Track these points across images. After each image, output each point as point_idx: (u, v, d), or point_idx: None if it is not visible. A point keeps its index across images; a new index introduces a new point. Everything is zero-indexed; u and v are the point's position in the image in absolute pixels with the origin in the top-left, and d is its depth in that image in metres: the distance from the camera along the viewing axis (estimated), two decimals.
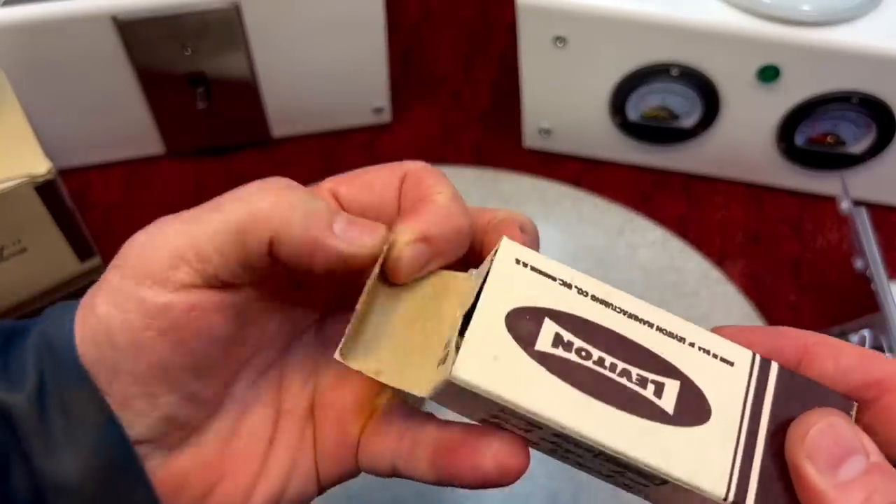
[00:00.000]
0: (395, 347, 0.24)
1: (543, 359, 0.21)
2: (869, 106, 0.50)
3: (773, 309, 0.52)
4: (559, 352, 0.22)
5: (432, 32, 0.69)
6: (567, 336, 0.22)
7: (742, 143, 0.55)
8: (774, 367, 0.23)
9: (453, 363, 0.21)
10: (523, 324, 0.22)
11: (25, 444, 0.23)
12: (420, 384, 0.23)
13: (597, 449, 0.21)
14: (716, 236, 0.56)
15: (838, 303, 0.52)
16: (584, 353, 0.22)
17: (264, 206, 0.23)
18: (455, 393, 0.22)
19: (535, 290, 0.22)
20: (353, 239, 0.23)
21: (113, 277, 0.23)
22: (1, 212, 0.43)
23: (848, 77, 0.50)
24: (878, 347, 0.44)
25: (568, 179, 0.58)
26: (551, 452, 0.23)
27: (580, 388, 0.21)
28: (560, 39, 0.52)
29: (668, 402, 0.22)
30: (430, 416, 0.26)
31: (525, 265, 0.23)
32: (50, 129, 0.52)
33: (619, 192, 0.58)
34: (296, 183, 0.24)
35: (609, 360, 0.22)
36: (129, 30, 0.51)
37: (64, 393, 0.23)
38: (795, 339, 0.24)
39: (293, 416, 0.27)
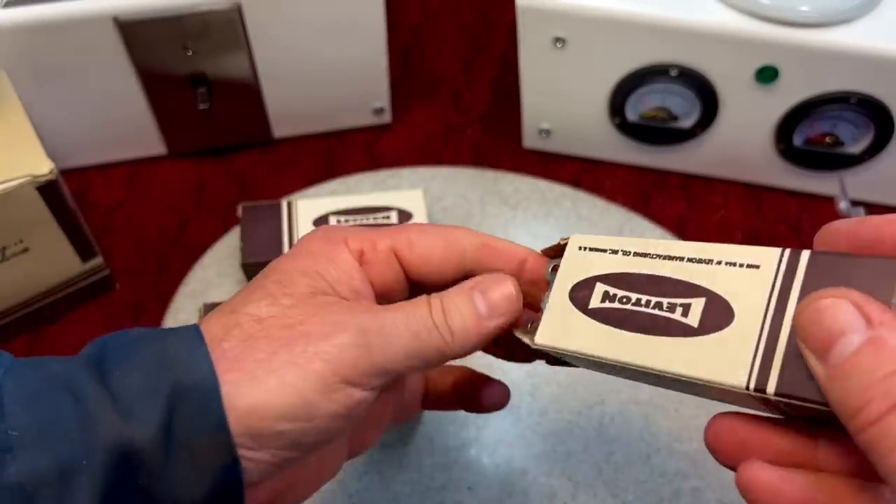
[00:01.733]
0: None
1: (595, 313, 0.27)
2: (867, 106, 0.51)
3: None
4: (606, 304, 0.27)
5: (432, 33, 0.69)
6: (612, 290, 0.27)
7: (741, 144, 0.56)
8: (805, 256, 0.24)
9: (534, 335, 0.29)
10: (581, 293, 0.28)
11: (144, 479, 0.25)
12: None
13: (645, 370, 0.26)
14: (715, 236, 0.56)
15: None
16: (624, 300, 0.27)
17: (447, 346, 0.28)
18: (559, 353, 0.29)
19: (591, 264, 0.29)
20: (497, 312, 0.29)
21: (321, 369, 0.25)
22: (3, 212, 0.44)
23: (846, 78, 0.50)
24: None
25: (567, 180, 0.58)
26: (640, 378, 0.28)
27: (621, 326, 0.27)
28: (559, 40, 0.52)
29: (693, 318, 0.25)
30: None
31: (584, 248, 0.29)
32: (52, 130, 0.52)
33: (619, 192, 0.58)
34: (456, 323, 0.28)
35: (644, 298, 0.26)
36: (131, 30, 0.51)
37: (194, 437, 0.25)
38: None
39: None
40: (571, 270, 0.29)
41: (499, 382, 0.36)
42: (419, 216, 0.52)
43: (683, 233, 0.56)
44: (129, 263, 0.54)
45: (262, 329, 0.26)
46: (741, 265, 0.25)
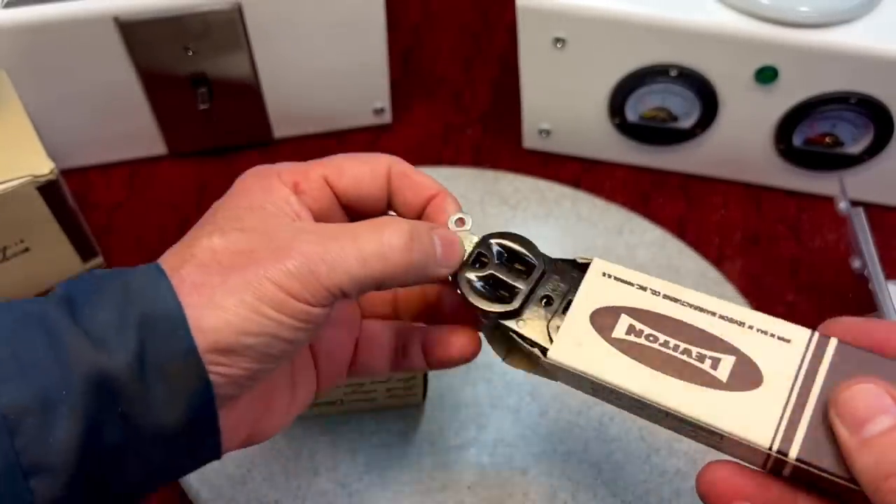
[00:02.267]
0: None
1: (617, 343, 0.28)
2: (867, 106, 0.51)
3: (771, 309, 0.52)
4: (631, 338, 0.28)
5: (433, 33, 0.69)
6: (639, 326, 0.29)
7: (740, 144, 0.56)
8: (833, 343, 0.27)
9: (549, 349, 0.30)
10: (604, 319, 0.29)
11: (124, 407, 0.26)
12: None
13: (662, 408, 0.27)
14: (714, 236, 0.56)
15: (836, 303, 0.53)
16: (651, 338, 0.28)
17: (400, 264, 0.29)
18: (560, 370, 0.30)
19: (616, 294, 0.30)
20: (446, 263, 0.31)
21: (275, 292, 0.27)
22: (4, 212, 0.44)
23: (846, 78, 0.50)
24: None
25: (567, 180, 0.58)
26: (638, 412, 0.29)
27: (644, 362, 0.28)
28: (559, 40, 0.52)
29: (722, 373, 0.27)
30: (410, 327, 0.36)
31: (609, 276, 0.30)
32: (52, 130, 0.52)
33: (618, 192, 0.58)
34: (409, 230, 0.30)
35: (672, 342, 0.28)
36: (132, 31, 0.51)
37: (168, 365, 0.26)
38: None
39: (301, 353, 0.34)
40: (593, 294, 0.30)
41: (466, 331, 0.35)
42: None
43: (683, 233, 0.56)
44: (129, 263, 0.53)
45: (215, 258, 0.28)
46: (772, 335, 0.28)
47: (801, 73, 0.50)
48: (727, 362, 0.27)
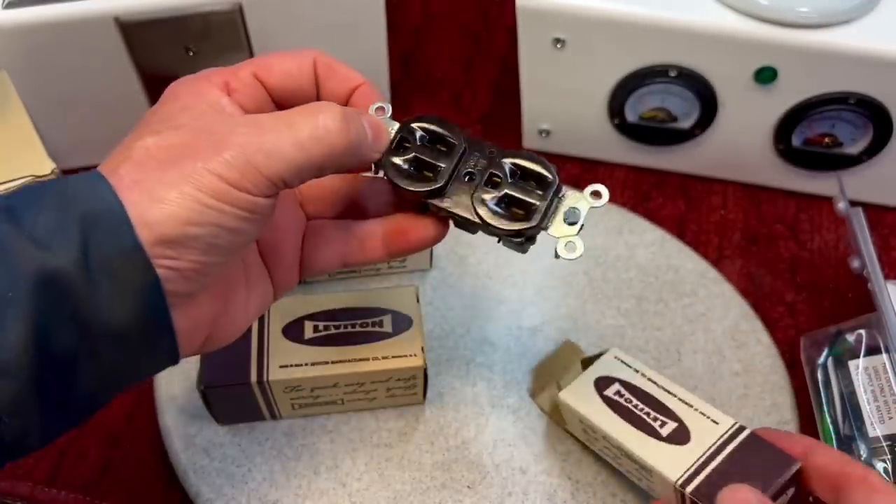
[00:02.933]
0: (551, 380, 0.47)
1: (606, 399, 0.41)
2: (866, 107, 0.51)
3: (770, 309, 0.52)
4: (615, 397, 0.41)
5: (433, 35, 0.69)
6: (623, 392, 0.42)
7: (740, 144, 0.56)
8: (746, 431, 0.37)
9: (560, 393, 0.43)
10: (602, 384, 0.42)
11: (73, 306, 0.26)
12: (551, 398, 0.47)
13: (622, 447, 0.40)
14: (713, 236, 0.56)
15: (835, 303, 0.53)
16: (627, 400, 0.41)
17: (339, 144, 0.29)
18: (568, 412, 0.43)
19: (617, 370, 0.43)
20: (376, 147, 0.32)
21: (215, 181, 0.27)
22: None
23: (845, 78, 0.50)
24: (874, 347, 0.45)
25: (567, 180, 0.58)
26: (608, 455, 0.43)
27: (619, 414, 0.41)
28: (559, 41, 0.52)
29: (665, 431, 0.39)
30: (360, 222, 0.36)
31: (619, 359, 0.43)
32: (53, 131, 0.52)
33: (618, 192, 0.58)
34: (342, 111, 0.30)
35: (641, 406, 0.41)
36: (132, 31, 0.51)
37: (113, 261, 0.26)
38: (845, 470, 0.33)
39: (252, 254, 0.35)
40: (602, 367, 0.43)
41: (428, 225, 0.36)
42: None
43: (683, 233, 0.56)
44: None
45: (151, 155, 0.28)
46: (707, 417, 0.39)
47: (801, 74, 0.50)
48: (671, 426, 0.39)
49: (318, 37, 0.55)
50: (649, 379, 0.42)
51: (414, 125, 0.33)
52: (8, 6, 0.50)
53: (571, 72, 0.54)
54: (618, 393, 0.41)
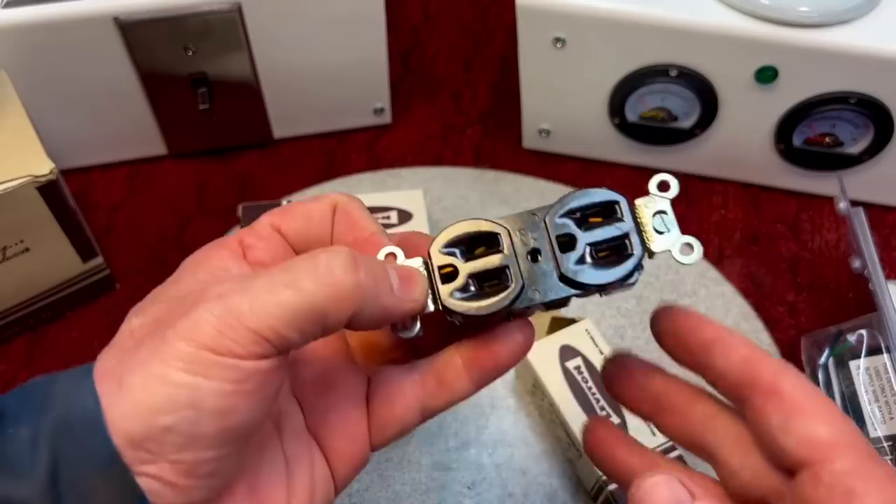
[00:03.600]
0: None
1: (566, 371, 0.43)
2: (866, 107, 0.51)
3: (771, 309, 0.52)
4: (574, 373, 0.43)
5: (432, 34, 0.69)
6: (584, 370, 0.43)
7: (740, 144, 0.56)
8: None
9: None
10: (567, 352, 0.44)
11: None
12: None
13: (561, 417, 0.42)
14: (714, 236, 0.56)
15: (836, 303, 0.53)
16: (584, 379, 0.43)
17: (344, 285, 0.24)
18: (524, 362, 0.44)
19: (585, 344, 0.44)
20: (408, 296, 0.26)
21: (184, 348, 0.22)
22: (3, 212, 0.44)
23: (845, 78, 0.50)
24: (875, 347, 0.44)
25: (567, 180, 0.58)
26: (552, 422, 0.44)
27: (573, 391, 0.42)
28: (559, 41, 0.52)
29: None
30: (429, 358, 0.29)
31: (588, 332, 0.45)
32: (52, 130, 0.52)
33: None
34: (350, 251, 0.25)
35: (595, 391, 0.42)
36: (131, 31, 0.51)
37: (87, 478, 0.22)
38: (702, 330, 0.27)
39: (295, 435, 0.28)
40: (572, 336, 0.44)
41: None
42: (419, 216, 0.52)
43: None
44: (129, 263, 0.54)
45: (132, 339, 0.24)
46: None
47: (801, 73, 0.50)
48: (613, 420, 0.41)
49: (317, 36, 0.55)
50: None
51: (441, 250, 0.27)
52: (7, 5, 0.50)
53: (571, 71, 0.54)
54: (577, 368, 0.43)
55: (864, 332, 0.45)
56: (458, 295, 0.27)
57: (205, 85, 0.55)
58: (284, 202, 0.53)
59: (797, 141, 0.54)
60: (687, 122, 0.55)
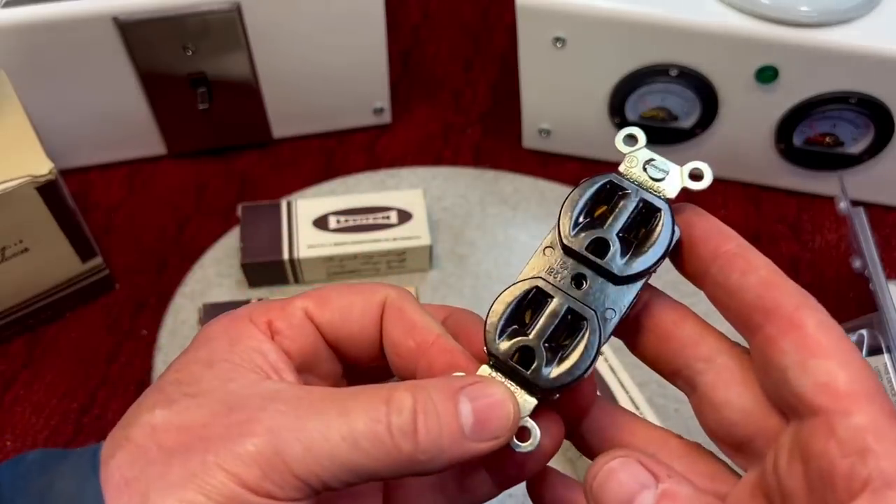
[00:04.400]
0: None
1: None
2: (867, 106, 0.51)
3: None
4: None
5: (432, 34, 0.69)
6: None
7: (740, 144, 0.56)
8: None
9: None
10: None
11: None
12: None
13: None
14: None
15: (836, 303, 0.53)
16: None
17: (401, 452, 0.22)
18: None
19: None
20: (489, 432, 0.23)
21: (225, 482, 0.21)
22: (2, 212, 0.43)
23: (846, 78, 0.50)
24: (876, 347, 0.44)
25: (567, 179, 0.58)
26: None
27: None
28: (559, 40, 0.52)
29: None
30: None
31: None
32: (51, 130, 0.52)
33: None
34: (412, 407, 0.22)
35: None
36: (131, 31, 0.51)
37: None
38: (723, 240, 0.24)
39: None
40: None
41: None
42: (419, 216, 0.52)
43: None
44: (128, 263, 0.54)
45: (155, 439, 0.21)
46: None
47: (802, 73, 0.50)
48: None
49: (317, 36, 0.55)
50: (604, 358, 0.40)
51: (497, 339, 0.24)
52: (6, 5, 0.49)
53: (571, 71, 0.54)
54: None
55: (864, 332, 0.45)
56: (546, 371, 0.24)
57: (204, 85, 0.55)
58: (284, 202, 0.53)
59: (797, 141, 0.54)
60: (687, 122, 0.55)
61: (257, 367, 0.24)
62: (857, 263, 0.47)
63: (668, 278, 0.29)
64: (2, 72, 0.48)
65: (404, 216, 0.52)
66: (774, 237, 0.56)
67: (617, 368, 0.44)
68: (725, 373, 0.24)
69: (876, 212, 0.55)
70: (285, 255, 0.50)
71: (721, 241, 0.24)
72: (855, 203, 0.49)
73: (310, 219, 0.52)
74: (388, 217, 0.52)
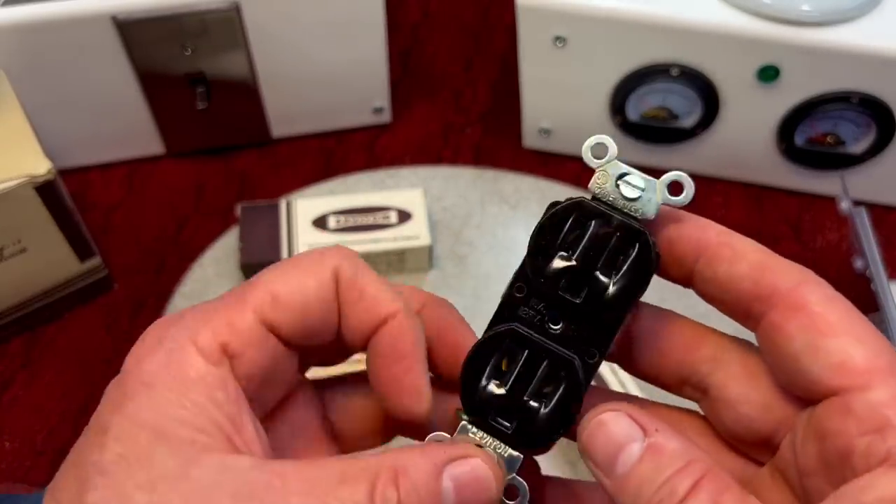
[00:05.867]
0: None
1: None
2: (869, 106, 0.50)
3: None
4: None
5: (432, 33, 0.69)
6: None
7: (742, 143, 0.55)
8: None
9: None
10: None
11: None
12: None
13: None
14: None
15: None
16: None
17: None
18: None
19: None
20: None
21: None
22: (1, 212, 0.43)
23: (848, 77, 0.50)
24: None
25: (568, 179, 0.58)
26: None
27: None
28: (560, 39, 0.52)
29: None
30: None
31: None
32: (50, 130, 0.52)
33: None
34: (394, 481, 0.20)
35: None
36: (129, 30, 0.51)
37: None
38: (701, 232, 0.23)
39: None
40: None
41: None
42: (419, 216, 0.52)
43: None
44: (127, 263, 0.54)
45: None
46: None
47: (803, 72, 0.50)
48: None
49: (316, 35, 0.55)
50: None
51: (468, 411, 0.23)
52: (5, 4, 0.49)
53: (572, 70, 0.54)
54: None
55: None
56: (529, 426, 0.23)
57: (203, 84, 0.55)
58: (283, 202, 0.52)
59: (799, 140, 0.54)
60: (688, 122, 0.55)
61: (216, 428, 0.20)
62: (858, 263, 0.47)
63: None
64: (0, 71, 0.48)
65: (404, 216, 0.52)
66: (776, 237, 0.56)
67: (616, 367, 0.44)
68: (734, 367, 0.23)
69: (877, 211, 0.55)
70: (284, 255, 0.50)
71: (698, 233, 0.23)
72: (856, 203, 0.49)
73: (309, 219, 0.52)
74: (387, 217, 0.52)
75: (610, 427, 0.21)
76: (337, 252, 0.23)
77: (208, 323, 0.21)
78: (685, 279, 0.23)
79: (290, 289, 0.22)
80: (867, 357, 0.19)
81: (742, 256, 0.22)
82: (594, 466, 0.21)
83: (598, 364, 0.23)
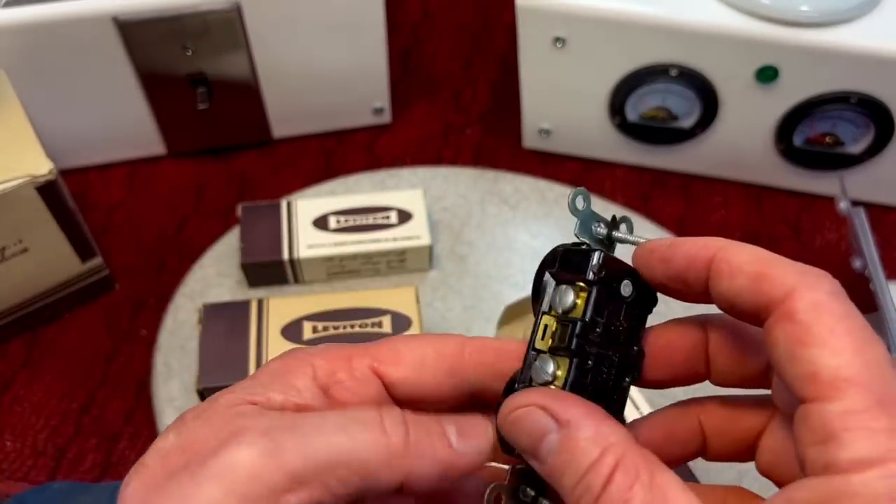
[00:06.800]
0: None
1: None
2: (867, 106, 0.51)
3: None
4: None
5: (432, 33, 0.69)
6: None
7: (741, 144, 0.56)
8: None
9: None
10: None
11: None
12: None
13: None
14: (714, 235, 0.56)
15: None
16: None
17: (395, 446, 0.22)
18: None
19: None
20: (469, 450, 0.24)
21: (213, 493, 0.20)
22: (2, 212, 0.43)
23: (846, 77, 0.50)
24: None
25: (567, 179, 0.58)
26: None
27: None
28: (559, 40, 0.52)
29: None
30: None
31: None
32: (51, 130, 0.52)
33: (618, 192, 0.58)
34: (397, 413, 0.23)
35: None
36: (130, 30, 0.51)
37: None
38: (706, 250, 0.23)
39: None
40: None
41: None
42: (419, 216, 0.52)
43: (683, 232, 0.56)
44: (128, 263, 0.54)
45: (163, 462, 0.21)
46: None
47: (802, 73, 0.50)
48: None
49: (316, 36, 0.55)
50: None
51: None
52: (6, 5, 0.49)
53: (572, 71, 0.54)
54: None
55: None
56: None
57: (204, 84, 0.55)
58: (283, 202, 0.53)
59: (798, 140, 0.54)
60: (687, 122, 0.55)
61: (284, 396, 0.23)
62: (857, 263, 0.47)
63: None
64: (2, 71, 0.48)
65: (404, 216, 0.52)
66: (775, 237, 0.56)
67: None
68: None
69: (876, 212, 0.55)
70: (285, 255, 0.50)
71: (690, 246, 0.23)
72: (855, 203, 0.49)
73: (309, 219, 0.52)
74: (387, 217, 0.52)
75: (525, 422, 0.22)
76: (464, 339, 0.26)
77: (329, 357, 0.24)
78: (694, 298, 0.24)
79: (408, 353, 0.25)
80: (836, 368, 0.20)
81: (738, 271, 0.22)
82: (531, 458, 0.22)
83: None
